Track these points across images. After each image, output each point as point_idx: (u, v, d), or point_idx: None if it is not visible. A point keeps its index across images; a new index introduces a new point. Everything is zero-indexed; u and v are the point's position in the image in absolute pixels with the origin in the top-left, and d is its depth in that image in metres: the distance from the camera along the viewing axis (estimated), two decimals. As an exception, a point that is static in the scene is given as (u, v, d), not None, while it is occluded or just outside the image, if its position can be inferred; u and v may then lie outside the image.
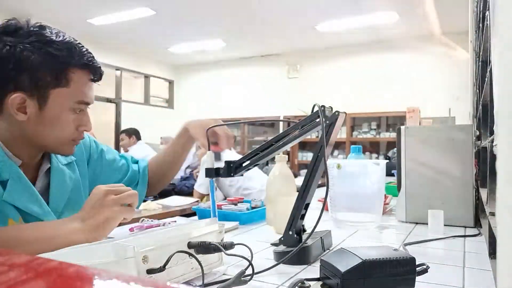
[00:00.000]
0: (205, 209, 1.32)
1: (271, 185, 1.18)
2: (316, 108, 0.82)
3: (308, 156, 6.98)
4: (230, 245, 0.68)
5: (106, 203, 0.84)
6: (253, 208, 1.29)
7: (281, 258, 0.74)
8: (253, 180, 3.12)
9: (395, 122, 6.57)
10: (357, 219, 1.15)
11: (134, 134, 5.07)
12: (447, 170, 1.16)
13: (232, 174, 0.91)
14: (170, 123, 7.90)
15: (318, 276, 0.65)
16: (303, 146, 7.08)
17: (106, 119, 6.90)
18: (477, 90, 1.68)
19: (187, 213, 2.38)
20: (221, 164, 0.93)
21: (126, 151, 4.85)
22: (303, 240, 0.77)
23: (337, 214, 1.16)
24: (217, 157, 1.27)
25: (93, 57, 0.92)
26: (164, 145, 5.54)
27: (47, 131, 0.88)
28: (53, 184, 0.96)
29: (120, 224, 0.88)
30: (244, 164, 0.91)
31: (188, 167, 4.61)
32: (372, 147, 6.72)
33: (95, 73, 0.92)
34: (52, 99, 0.86)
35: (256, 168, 2.09)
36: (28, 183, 0.89)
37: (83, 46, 0.91)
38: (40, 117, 0.86)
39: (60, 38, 0.87)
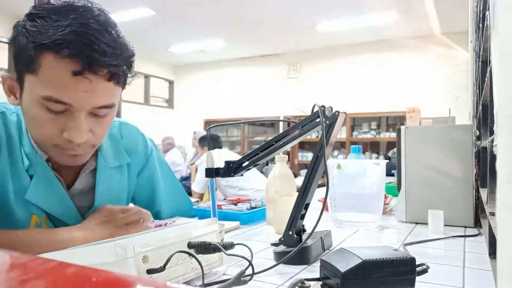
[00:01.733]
0: (205, 209, 1.32)
1: (271, 185, 1.18)
2: (316, 108, 0.82)
3: (308, 156, 6.98)
4: (230, 245, 0.68)
5: (112, 219, 0.84)
6: (253, 208, 1.29)
7: (281, 258, 0.74)
8: (249, 181, 3.12)
9: (395, 122, 6.58)
10: (357, 219, 1.15)
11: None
12: (447, 170, 1.16)
13: (232, 174, 0.91)
14: (170, 123, 7.92)
15: (318, 276, 0.65)
16: (303, 146, 7.08)
17: (106, 119, 6.90)
18: (477, 90, 1.68)
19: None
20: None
21: None
22: (303, 240, 0.77)
23: (337, 214, 1.16)
24: None
25: (89, 39, 0.68)
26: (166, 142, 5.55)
27: (27, 123, 0.78)
28: (98, 187, 0.90)
29: None
30: (244, 164, 0.91)
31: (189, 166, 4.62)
32: (372, 147, 6.73)
33: (86, 64, 0.67)
34: (26, 86, 0.72)
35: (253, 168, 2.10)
36: (55, 181, 0.83)
37: (86, 25, 0.69)
38: (22, 107, 0.75)
39: (46, 13, 0.69)
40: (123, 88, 0.81)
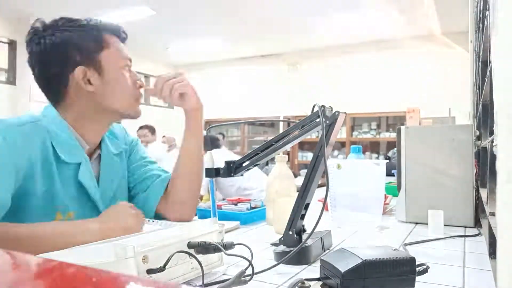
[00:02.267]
0: (205, 209, 1.32)
1: (271, 185, 1.18)
2: (316, 108, 0.82)
3: (308, 156, 6.99)
4: (230, 245, 0.68)
5: (130, 212, 0.90)
6: (253, 208, 1.29)
7: (281, 258, 0.74)
8: (252, 181, 3.12)
9: (395, 122, 6.58)
10: (357, 219, 1.15)
11: (153, 130, 5.13)
12: (447, 170, 1.16)
13: (232, 174, 0.91)
14: (170, 123, 7.92)
15: (318, 276, 0.65)
16: (303, 146, 7.08)
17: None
18: (477, 90, 1.68)
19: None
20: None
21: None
22: (303, 240, 0.77)
23: (337, 214, 1.16)
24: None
25: (111, 23, 1.01)
26: (167, 144, 5.54)
27: (114, 93, 0.96)
28: (103, 170, 1.01)
29: None
30: (244, 164, 0.91)
31: None
32: (372, 147, 6.73)
33: (121, 34, 1.01)
34: (105, 62, 0.95)
35: (256, 168, 2.09)
36: (91, 169, 0.96)
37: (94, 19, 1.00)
38: (103, 83, 0.95)
39: (78, 17, 0.99)
40: None
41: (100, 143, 1.04)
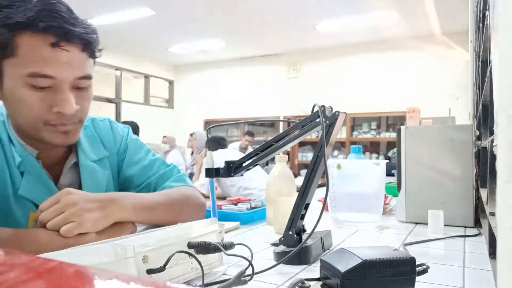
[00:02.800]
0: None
1: (271, 185, 1.18)
2: (316, 108, 0.82)
3: (308, 156, 6.98)
4: (230, 245, 0.68)
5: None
6: (253, 208, 1.29)
7: (281, 258, 0.74)
8: (253, 180, 3.12)
9: (395, 122, 6.58)
10: (357, 219, 1.15)
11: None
12: (447, 170, 1.16)
13: (232, 174, 0.91)
14: (170, 123, 7.92)
15: (318, 276, 0.65)
16: (303, 146, 7.08)
17: (106, 119, 6.90)
18: (477, 90, 1.68)
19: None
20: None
21: None
22: (303, 240, 0.77)
23: (337, 214, 1.16)
24: None
25: (58, 12, 0.71)
26: (167, 143, 5.54)
27: (14, 111, 0.78)
28: (85, 182, 0.90)
29: None
30: (244, 164, 0.91)
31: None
32: (372, 147, 6.73)
33: (61, 34, 0.71)
34: (6, 72, 0.73)
35: (258, 167, 2.09)
36: (45, 176, 0.84)
37: (46, 3, 0.72)
38: (3, 95, 0.76)
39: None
40: (94, 61, 0.84)
41: (76, 150, 0.92)
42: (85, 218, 0.72)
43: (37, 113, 0.75)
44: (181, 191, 1.00)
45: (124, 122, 4.79)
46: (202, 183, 3.31)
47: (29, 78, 0.72)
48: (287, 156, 1.22)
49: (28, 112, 0.75)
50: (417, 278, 0.61)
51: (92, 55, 0.80)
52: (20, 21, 0.69)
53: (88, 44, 0.77)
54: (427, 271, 0.64)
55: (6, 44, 0.71)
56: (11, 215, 0.81)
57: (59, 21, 0.71)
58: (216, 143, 3.50)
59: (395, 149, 1.34)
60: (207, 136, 1.53)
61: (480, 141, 1.34)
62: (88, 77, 0.79)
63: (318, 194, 0.94)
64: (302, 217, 0.83)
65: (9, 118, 0.85)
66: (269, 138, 0.90)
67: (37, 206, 0.82)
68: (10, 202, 0.81)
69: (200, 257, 0.65)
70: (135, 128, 4.73)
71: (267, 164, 5.30)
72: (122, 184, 1.05)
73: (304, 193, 0.81)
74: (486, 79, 1.06)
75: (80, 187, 0.90)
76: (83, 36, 0.75)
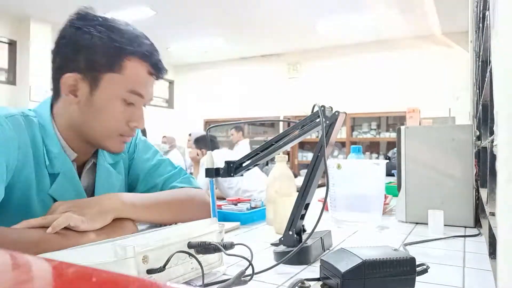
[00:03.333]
0: (205, 209, 1.32)
1: (271, 185, 1.18)
2: (316, 108, 0.82)
3: (308, 156, 6.98)
4: (230, 245, 0.68)
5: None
6: (253, 208, 1.29)
7: (281, 258, 0.74)
8: (252, 181, 3.12)
9: (395, 122, 6.58)
10: (357, 219, 1.15)
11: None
12: (447, 170, 1.16)
13: (232, 174, 0.91)
14: (170, 123, 7.92)
15: (318, 276, 0.65)
16: (303, 146, 7.08)
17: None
18: (477, 90, 1.68)
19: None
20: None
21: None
22: (303, 240, 0.77)
23: (337, 214, 1.16)
24: None
25: (155, 50, 0.89)
26: (167, 144, 5.54)
27: (95, 119, 0.85)
28: (98, 184, 0.94)
29: None
30: (244, 164, 0.91)
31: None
32: (372, 147, 6.73)
33: (155, 67, 0.88)
34: (104, 84, 0.83)
35: (256, 169, 2.09)
36: (78, 181, 0.89)
37: (147, 39, 0.89)
38: (89, 102, 0.84)
39: (125, 27, 0.86)
40: None
41: (96, 151, 0.96)
42: (84, 212, 0.77)
43: (117, 125, 0.87)
44: (187, 192, 1.02)
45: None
46: (201, 183, 3.29)
47: (127, 94, 0.85)
48: (287, 156, 1.22)
49: (111, 121, 0.86)
50: (417, 278, 0.61)
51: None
52: (136, 50, 0.85)
53: (161, 77, 0.93)
54: (427, 271, 0.64)
55: (113, 62, 0.83)
56: (31, 214, 0.81)
57: (156, 56, 0.89)
58: (209, 142, 3.48)
59: (395, 149, 1.34)
60: (207, 135, 1.53)
61: (480, 141, 1.34)
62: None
63: (318, 194, 0.94)
64: (302, 217, 0.82)
65: (68, 121, 0.88)
66: (269, 138, 0.90)
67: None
68: (32, 201, 0.82)
69: (200, 257, 0.65)
70: (143, 131, 4.69)
71: (267, 164, 5.29)
72: (130, 184, 1.07)
73: (304, 193, 0.81)
74: (486, 79, 1.06)
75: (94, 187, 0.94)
76: (164, 73, 0.93)
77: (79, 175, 0.92)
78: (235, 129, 5.45)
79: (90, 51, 0.83)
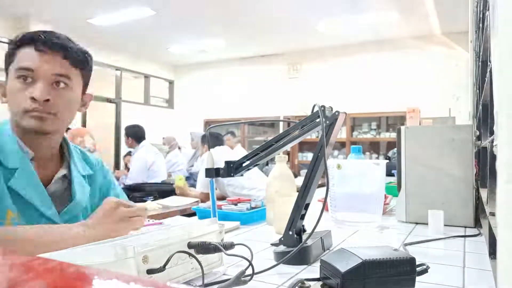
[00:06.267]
0: (205, 209, 1.32)
1: (271, 185, 1.18)
2: (316, 108, 0.82)
3: (308, 156, 6.98)
4: (230, 245, 0.68)
5: (117, 215, 0.92)
6: (253, 208, 1.29)
7: (281, 258, 0.74)
8: (252, 180, 3.11)
9: (395, 122, 6.57)
10: (357, 219, 1.15)
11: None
12: (447, 170, 1.16)
13: (232, 174, 0.91)
14: (170, 123, 7.92)
15: (318, 276, 0.65)
16: (303, 146, 7.08)
17: (106, 119, 6.89)
18: (477, 90, 1.68)
19: (187, 213, 2.38)
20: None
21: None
22: (303, 240, 0.77)
23: (337, 214, 1.16)
24: None
25: (43, 33, 0.95)
26: (166, 144, 5.53)
27: (10, 106, 0.95)
28: (76, 191, 1.01)
29: None
30: (244, 164, 0.91)
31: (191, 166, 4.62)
32: (372, 147, 6.72)
33: (40, 42, 0.94)
34: (9, 76, 0.95)
35: (255, 168, 2.07)
36: (35, 176, 0.94)
37: (46, 31, 0.96)
38: (7, 96, 0.95)
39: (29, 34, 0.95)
40: (85, 77, 1.02)
41: (69, 163, 1.05)
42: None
43: (20, 101, 0.92)
44: None
45: (128, 126, 4.61)
46: (201, 183, 3.28)
47: (17, 71, 0.92)
48: (287, 156, 1.23)
49: (15, 101, 0.93)
50: (417, 278, 0.61)
51: (76, 65, 0.98)
52: (23, 38, 0.94)
53: (69, 54, 0.96)
54: (427, 271, 0.64)
55: (11, 55, 0.94)
56: None
57: (49, 36, 0.95)
58: (214, 138, 3.48)
59: (395, 149, 1.34)
60: (206, 135, 1.53)
61: (480, 141, 1.34)
62: (64, 76, 0.95)
63: (318, 194, 0.94)
64: (302, 217, 0.83)
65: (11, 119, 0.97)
66: (269, 138, 0.90)
67: (15, 204, 0.89)
68: None
69: (200, 257, 0.65)
70: (141, 131, 4.59)
71: (267, 164, 5.29)
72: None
73: (304, 193, 0.81)
74: (486, 79, 1.06)
75: (66, 196, 1.01)
76: (65, 47, 0.96)
77: (49, 182, 0.99)
78: (231, 135, 5.43)
79: (6, 58, 0.96)
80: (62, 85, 0.96)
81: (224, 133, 5.58)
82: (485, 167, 1.14)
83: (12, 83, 0.93)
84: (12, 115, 0.96)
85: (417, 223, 1.19)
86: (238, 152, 5.00)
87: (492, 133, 0.89)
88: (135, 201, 2.61)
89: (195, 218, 1.36)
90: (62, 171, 1.02)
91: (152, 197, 2.76)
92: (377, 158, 6.35)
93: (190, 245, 0.65)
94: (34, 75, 0.93)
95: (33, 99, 0.91)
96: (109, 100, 6.95)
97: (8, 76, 0.96)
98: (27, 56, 0.94)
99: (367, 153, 6.46)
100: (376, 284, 0.58)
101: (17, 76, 0.93)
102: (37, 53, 0.94)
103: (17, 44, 0.95)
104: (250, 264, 0.64)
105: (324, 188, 0.82)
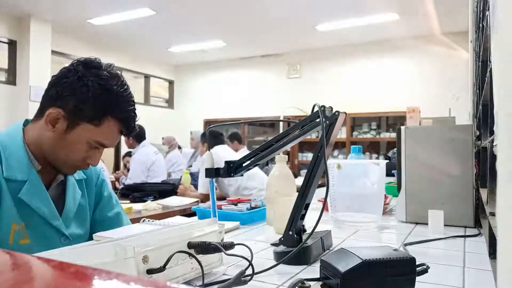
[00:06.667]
0: (205, 209, 1.32)
1: (271, 185, 1.18)
2: (316, 108, 0.82)
3: (308, 156, 6.98)
4: (230, 245, 0.68)
5: None
6: (253, 208, 1.29)
7: (281, 258, 0.74)
8: (253, 180, 3.12)
9: (395, 122, 6.57)
10: (357, 219, 1.15)
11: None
12: (447, 170, 1.16)
13: (232, 174, 0.91)
14: (170, 123, 7.92)
15: (318, 276, 0.65)
16: (303, 146, 7.08)
17: (106, 119, 6.89)
18: (477, 90, 1.68)
19: (187, 213, 2.38)
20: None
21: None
22: (303, 240, 0.77)
23: (337, 214, 1.16)
24: None
25: (134, 114, 1.01)
26: (166, 144, 5.52)
27: (61, 151, 0.97)
28: (69, 193, 1.05)
29: None
30: (244, 164, 0.91)
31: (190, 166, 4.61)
32: (372, 147, 6.72)
33: (127, 128, 1.01)
34: (79, 130, 0.95)
35: (256, 167, 2.08)
36: (43, 187, 0.98)
37: (132, 101, 1.01)
38: (61, 137, 0.96)
39: (117, 90, 0.97)
40: None
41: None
42: None
43: (76, 160, 0.98)
44: None
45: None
46: (201, 183, 3.27)
47: (94, 143, 0.97)
48: (287, 156, 1.22)
49: (73, 157, 0.98)
50: (417, 278, 0.61)
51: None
52: (114, 112, 0.96)
53: (128, 135, 1.07)
54: (427, 271, 0.64)
55: (96, 118, 0.95)
56: None
57: (132, 120, 1.01)
58: (215, 137, 3.47)
59: (395, 149, 1.34)
60: (206, 135, 1.53)
61: (480, 141, 1.34)
62: None
63: (318, 194, 0.94)
64: (302, 217, 0.82)
65: (38, 140, 0.99)
66: (269, 138, 0.90)
67: (20, 217, 0.91)
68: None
69: (200, 257, 0.65)
70: (141, 131, 4.56)
71: (267, 164, 5.29)
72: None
73: (304, 193, 0.81)
74: (486, 79, 1.06)
75: (61, 201, 1.04)
76: (133, 133, 1.04)
77: (48, 187, 1.02)
78: (229, 139, 5.39)
79: (81, 101, 0.93)
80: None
81: (224, 133, 5.57)
82: (485, 167, 1.14)
83: (77, 138, 0.95)
84: (54, 151, 0.97)
85: (417, 223, 1.19)
86: (242, 154, 4.97)
87: (492, 133, 0.89)
88: (135, 201, 2.61)
89: (195, 218, 1.36)
90: (60, 177, 1.05)
91: (152, 197, 2.76)
92: (377, 158, 6.35)
93: (190, 245, 0.65)
94: (101, 148, 1.00)
95: (88, 165, 1.00)
96: (109, 100, 6.95)
97: (76, 125, 0.95)
98: (112, 136, 0.98)
99: (367, 153, 6.47)
100: (376, 284, 0.58)
101: (90, 144, 0.97)
102: (118, 134, 1.00)
103: (108, 114, 0.95)
104: (250, 264, 0.64)
105: (324, 188, 0.82)
